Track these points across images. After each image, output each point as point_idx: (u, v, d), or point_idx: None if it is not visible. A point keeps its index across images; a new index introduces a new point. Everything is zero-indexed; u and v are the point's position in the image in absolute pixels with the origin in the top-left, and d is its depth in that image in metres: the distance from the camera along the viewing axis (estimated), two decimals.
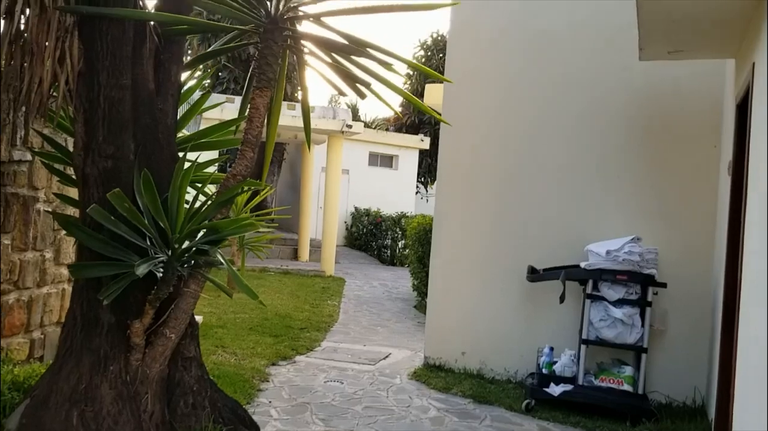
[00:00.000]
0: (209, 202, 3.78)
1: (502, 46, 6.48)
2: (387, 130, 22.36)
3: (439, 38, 23.39)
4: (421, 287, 10.37)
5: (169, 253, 3.48)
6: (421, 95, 23.01)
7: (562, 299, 5.47)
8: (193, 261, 3.62)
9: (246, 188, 4.34)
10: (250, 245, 10.22)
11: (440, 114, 6.57)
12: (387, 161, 21.20)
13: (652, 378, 5.54)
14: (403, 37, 55.98)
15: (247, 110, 3.96)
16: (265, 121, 4.14)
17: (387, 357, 6.97)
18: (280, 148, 18.95)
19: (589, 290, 5.43)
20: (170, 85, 4.02)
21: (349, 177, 20.01)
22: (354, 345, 7.43)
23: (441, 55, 22.18)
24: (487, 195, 6.43)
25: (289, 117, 12.67)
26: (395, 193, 20.49)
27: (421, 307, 10.40)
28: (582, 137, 6.14)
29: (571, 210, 6.12)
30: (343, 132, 12.84)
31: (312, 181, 16.39)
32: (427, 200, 24.85)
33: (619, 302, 5.34)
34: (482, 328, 6.35)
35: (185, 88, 4.33)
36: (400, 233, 17.66)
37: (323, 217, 13.37)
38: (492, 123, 6.47)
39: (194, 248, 3.59)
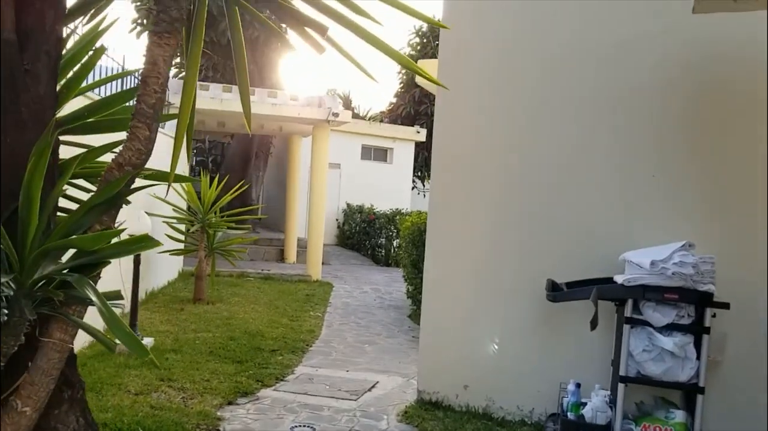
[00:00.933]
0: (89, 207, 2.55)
1: (509, 9, 5.24)
2: (381, 122, 21.11)
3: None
4: (416, 295, 9.16)
5: (14, 286, 2.25)
6: (414, 85, 21.81)
7: (593, 325, 4.24)
8: (57, 297, 2.39)
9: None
10: (222, 248, 8.99)
11: (444, 90, 5.35)
12: (381, 154, 19.96)
13: (709, 423, 4.33)
14: (398, 24, 54.54)
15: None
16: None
17: (373, 387, 5.76)
18: (266, 141, 17.69)
19: (628, 312, 4.20)
20: (43, 36, 2.79)
21: (340, 172, 18.78)
22: (335, 371, 6.21)
23: (437, 42, 20.92)
24: (492, 191, 5.20)
25: (269, 105, 11.44)
26: (390, 188, 19.27)
27: (416, 317, 9.18)
28: (611, 116, 4.91)
29: (598, 208, 4.90)
30: (329, 121, 11.60)
31: (299, 176, 15.16)
32: (424, 196, 23.64)
33: (668, 329, 4.12)
34: (488, 357, 5.14)
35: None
36: (394, 231, 16.44)
37: (309, 215, 12.14)
38: (498, 101, 5.24)
39: (55, 278, 2.36)
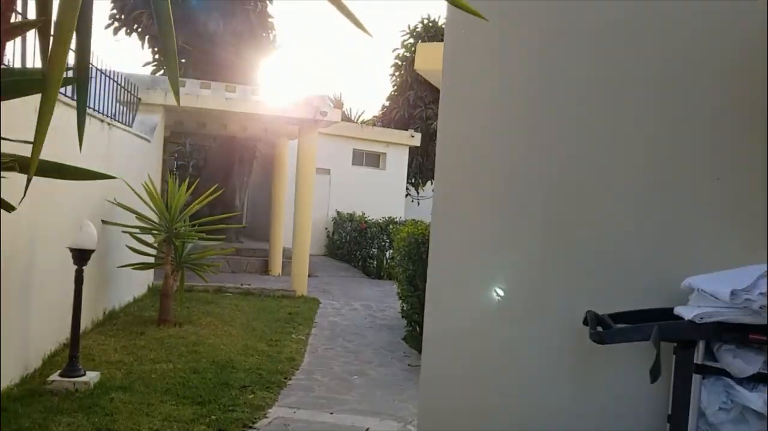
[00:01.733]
0: None
1: None
2: (374, 125, 20.14)
3: (431, 24, 21.19)
4: (412, 314, 8.15)
5: None
6: (409, 87, 20.89)
7: (655, 375, 3.22)
8: None
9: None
10: (192, 262, 7.93)
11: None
12: (373, 159, 18.97)
13: None
14: (391, 24, 53.43)
15: None
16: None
17: None
18: (251, 144, 16.64)
19: (699, 358, 3.19)
20: None
21: (330, 178, 17.77)
22: (317, 414, 5.16)
23: (434, 42, 19.97)
24: (509, 195, 4.18)
25: (251, 103, 10.43)
26: (382, 195, 18.26)
27: (411, 339, 8.17)
28: (660, 102, 3.90)
29: (643, 217, 3.88)
30: (317, 121, 10.59)
31: (286, 182, 14.11)
32: (418, 203, 22.70)
33: (754, 381, 3.11)
34: (506, 401, 4.10)
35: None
36: (387, 241, 15.42)
37: (294, 223, 11.10)
38: (525, 85, 4.22)
39: None
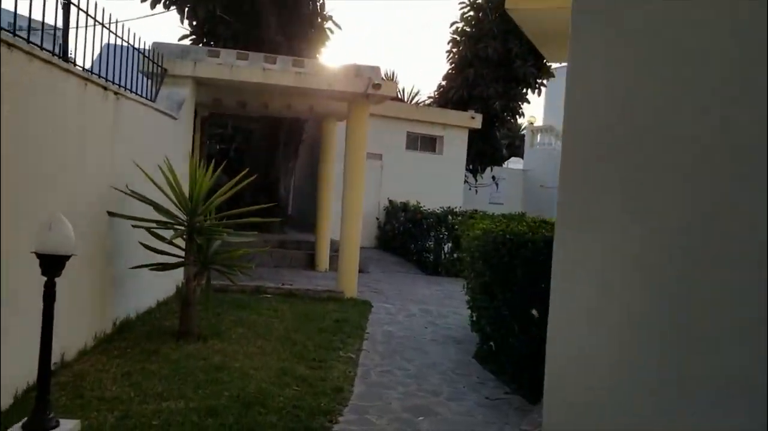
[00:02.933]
0: None
1: None
2: (429, 106, 18.52)
3: None
4: (485, 327, 6.60)
5: None
6: (468, 64, 19.14)
7: None
8: None
9: None
10: (218, 262, 6.55)
11: None
12: (429, 143, 17.39)
13: None
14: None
15: None
16: None
17: None
18: (298, 126, 15.29)
19: None
20: None
21: (382, 163, 16.29)
22: None
23: (496, 14, 18.20)
24: (680, 189, 2.58)
25: (292, 75, 9.00)
26: (439, 182, 16.69)
27: (485, 358, 6.65)
28: None
29: None
30: (368, 96, 9.08)
31: (334, 168, 12.69)
32: (476, 191, 21.02)
33: None
34: None
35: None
36: (445, 233, 13.87)
37: (342, 215, 9.67)
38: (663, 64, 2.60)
39: None
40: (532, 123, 25.26)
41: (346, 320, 8.00)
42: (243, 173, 6.63)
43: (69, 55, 5.44)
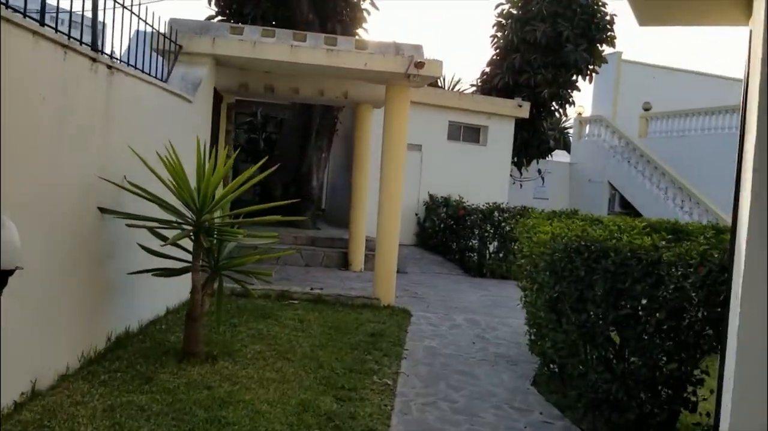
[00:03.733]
0: None
1: None
2: (473, 94, 17.29)
3: None
4: (548, 351, 5.45)
5: None
6: (516, 49, 17.85)
7: None
8: None
9: None
10: (235, 268, 5.53)
11: None
12: (473, 133, 16.20)
13: None
14: None
15: None
16: None
17: None
18: (332, 114, 14.26)
19: None
20: None
21: (422, 155, 15.18)
22: None
23: None
24: None
25: (323, 52, 7.95)
26: (483, 176, 15.50)
27: (547, 385, 5.52)
28: None
29: None
30: (409, 77, 7.97)
31: (369, 158, 11.63)
32: (521, 185, 19.72)
33: None
34: None
35: None
36: (491, 231, 12.70)
37: (379, 211, 8.59)
38: None
39: None
40: (580, 114, 23.74)
41: (383, 333, 6.94)
42: (254, 168, 5.54)
43: (96, 45, 4.68)
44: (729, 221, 12.67)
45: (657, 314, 4.21)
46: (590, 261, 4.57)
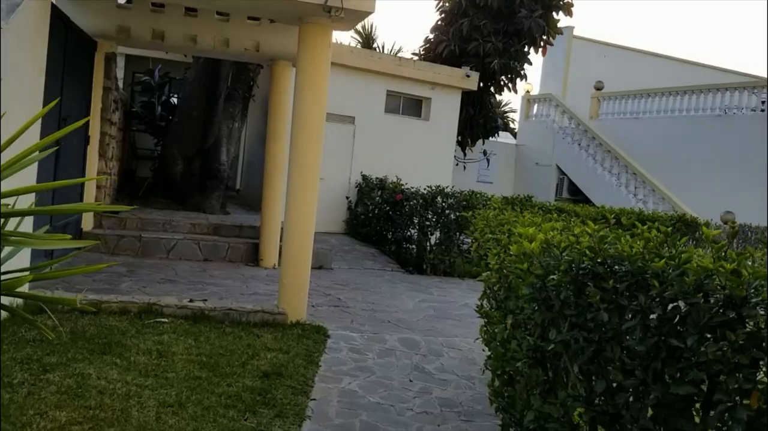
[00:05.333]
0: None
1: None
2: (415, 60, 15.21)
3: None
4: (528, 424, 3.45)
5: None
6: (464, 14, 15.90)
7: None
8: None
9: None
10: (11, 287, 3.26)
11: None
12: (414, 106, 14.15)
13: None
14: None
15: None
16: None
17: None
18: (247, 76, 11.90)
19: None
20: None
21: (354, 128, 13.03)
22: None
23: None
24: None
25: None
26: (425, 156, 13.51)
27: None
28: None
29: None
30: (330, 11, 5.79)
31: (286, 128, 9.39)
32: (464, 167, 17.91)
33: None
34: None
35: None
36: (433, 219, 10.74)
37: (288, 195, 6.42)
38: None
39: None
40: (528, 92, 22.06)
41: (282, 371, 4.81)
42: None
43: None
44: (687, 209, 10.92)
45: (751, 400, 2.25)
46: (620, 296, 2.58)
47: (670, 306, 2.46)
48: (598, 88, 20.41)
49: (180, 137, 11.21)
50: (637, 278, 2.58)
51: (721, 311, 2.32)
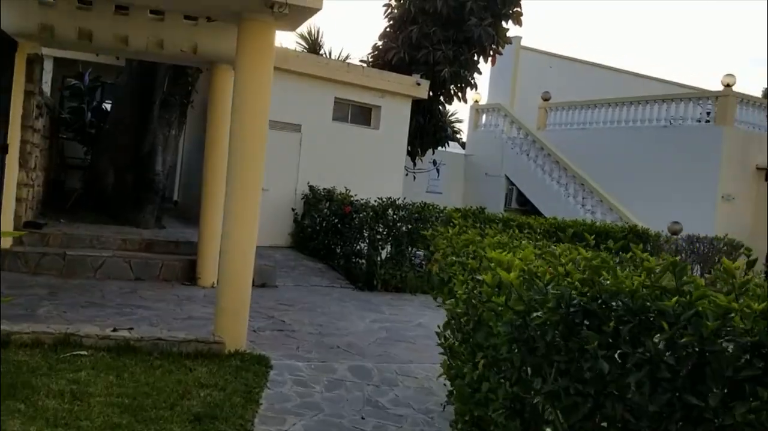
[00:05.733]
0: None
1: None
2: (364, 67, 14.75)
3: None
4: None
5: None
6: (413, 20, 15.56)
7: None
8: None
9: None
10: None
11: None
12: (363, 114, 13.68)
13: None
14: None
15: None
16: None
17: None
18: (185, 81, 11.19)
19: None
20: None
21: (301, 137, 12.46)
22: None
23: None
24: None
25: None
26: (375, 166, 13.04)
27: None
28: None
29: None
30: (273, 6, 5.25)
31: (225, 135, 8.74)
32: (414, 178, 17.50)
33: None
34: None
35: None
36: (384, 232, 10.27)
37: (225, 208, 5.82)
38: None
39: None
40: (477, 101, 21.91)
41: (215, 413, 4.21)
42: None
43: None
44: (634, 220, 10.73)
45: None
46: (622, 342, 2.13)
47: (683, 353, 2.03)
48: (545, 99, 20.43)
49: (112, 145, 10.42)
50: (640, 319, 2.14)
51: (748, 360, 1.90)
